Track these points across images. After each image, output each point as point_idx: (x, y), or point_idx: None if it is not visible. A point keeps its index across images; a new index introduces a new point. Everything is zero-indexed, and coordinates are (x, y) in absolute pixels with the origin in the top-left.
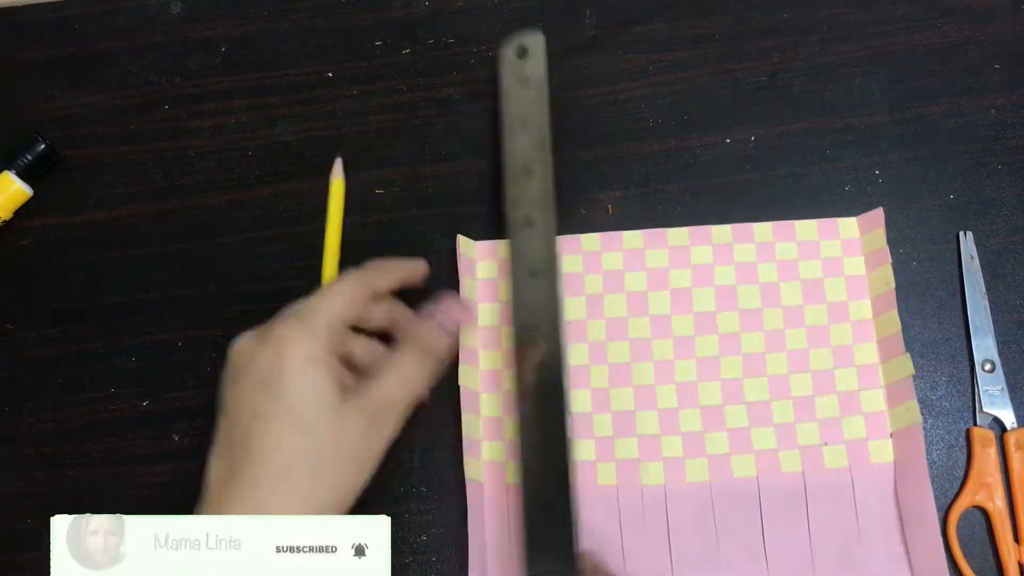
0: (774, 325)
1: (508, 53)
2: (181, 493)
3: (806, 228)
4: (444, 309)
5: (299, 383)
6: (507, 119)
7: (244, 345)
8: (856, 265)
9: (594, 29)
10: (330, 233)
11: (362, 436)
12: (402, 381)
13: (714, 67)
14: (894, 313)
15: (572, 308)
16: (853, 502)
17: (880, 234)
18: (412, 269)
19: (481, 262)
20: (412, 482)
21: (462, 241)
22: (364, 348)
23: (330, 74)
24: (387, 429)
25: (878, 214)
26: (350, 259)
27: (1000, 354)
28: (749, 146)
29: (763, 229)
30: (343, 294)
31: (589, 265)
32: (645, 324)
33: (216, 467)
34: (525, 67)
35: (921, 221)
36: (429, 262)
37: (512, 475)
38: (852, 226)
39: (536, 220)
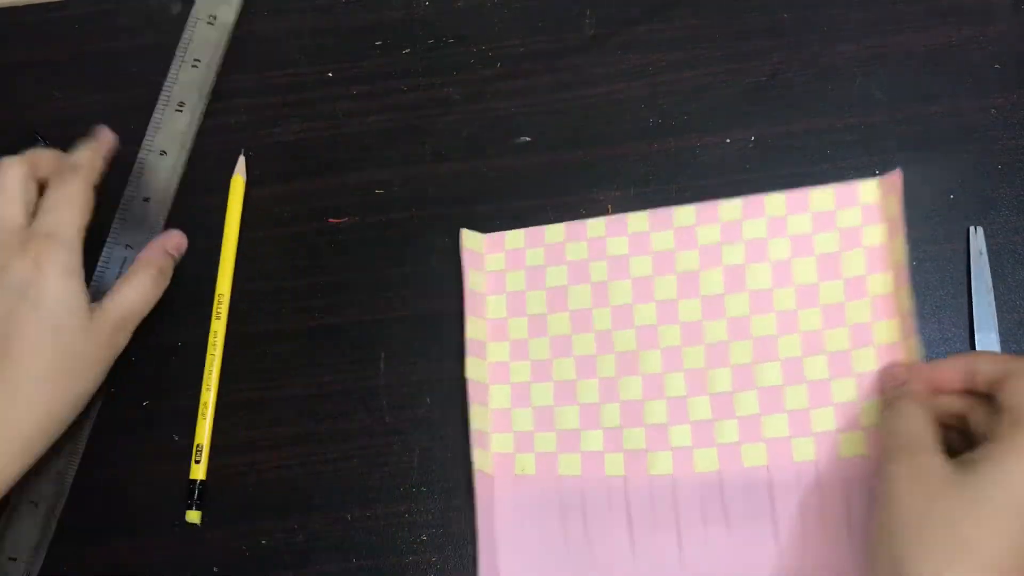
0: (786, 306)
1: None
2: (181, 493)
3: (822, 197)
4: (167, 235)
5: (58, 294)
6: (181, 50)
7: None
8: (875, 234)
9: (594, 29)
10: (229, 229)
11: (107, 343)
12: (137, 295)
13: (714, 67)
14: (907, 289)
15: (578, 297)
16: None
17: (896, 200)
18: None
19: (489, 255)
20: (412, 482)
21: (466, 235)
22: None
23: (330, 74)
24: (123, 338)
25: (896, 177)
26: (351, 259)
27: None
28: (749, 146)
29: (775, 201)
30: (86, 203)
31: (594, 252)
32: (651, 310)
33: None
34: (219, 7)
35: (921, 221)
36: (429, 262)
37: (520, 467)
38: (872, 190)
39: (170, 152)
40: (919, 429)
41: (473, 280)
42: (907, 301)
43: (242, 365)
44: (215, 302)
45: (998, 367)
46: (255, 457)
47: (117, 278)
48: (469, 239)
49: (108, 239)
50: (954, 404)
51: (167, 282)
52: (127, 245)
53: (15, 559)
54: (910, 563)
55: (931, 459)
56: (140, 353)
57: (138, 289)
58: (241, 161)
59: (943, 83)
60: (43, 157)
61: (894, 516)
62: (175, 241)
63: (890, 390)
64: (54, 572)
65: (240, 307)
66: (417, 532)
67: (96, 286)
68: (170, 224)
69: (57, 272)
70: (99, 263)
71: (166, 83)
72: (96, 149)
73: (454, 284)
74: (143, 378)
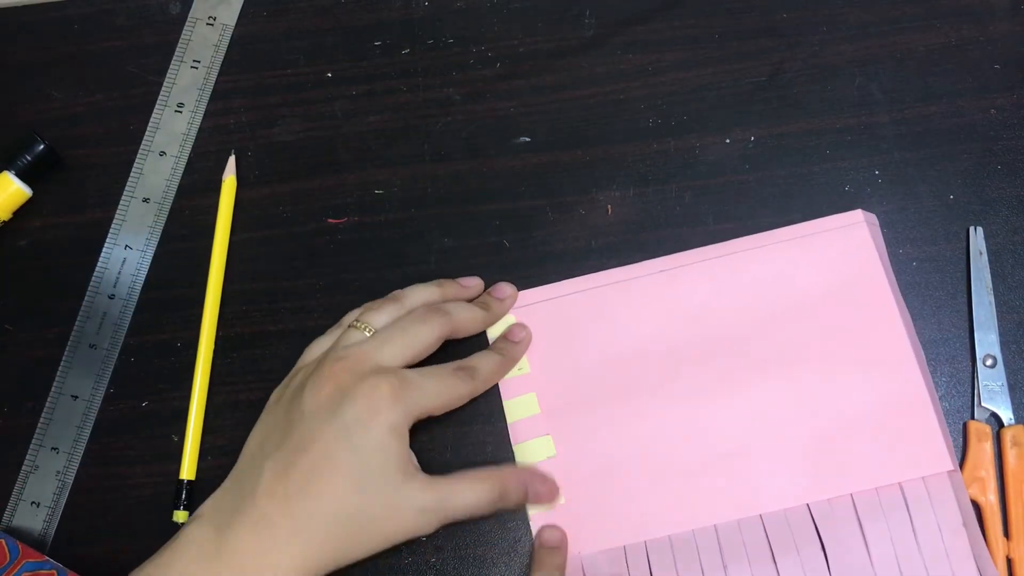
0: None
1: None
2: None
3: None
4: (532, 474)
5: (379, 450)
6: (180, 50)
7: (338, 372)
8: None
9: (594, 29)
10: (219, 230)
11: (410, 523)
12: (470, 502)
13: (714, 67)
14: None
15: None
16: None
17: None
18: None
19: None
20: None
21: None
22: None
23: (330, 74)
24: (427, 527)
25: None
26: (348, 259)
27: (1001, 354)
28: (749, 146)
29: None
30: (449, 391)
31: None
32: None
33: (269, 472)
34: (218, 7)
35: (921, 221)
36: (429, 262)
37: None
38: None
39: (169, 152)
40: None
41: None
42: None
43: (242, 365)
44: (207, 303)
45: None
46: None
47: (117, 278)
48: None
49: (108, 239)
50: None
51: (503, 508)
52: (127, 245)
53: None
54: None
55: None
56: (140, 353)
57: (475, 494)
58: (231, 161)
59: (943, 83)
60: (449, 290)
61: None
62: (543, 489)
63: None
64: None
65: (239, 307)
66: None
67: (96, 286)
68: (170, 224)
69: (387, 426)
70: (99, 263)
71: (165, 83)
72: (492, 312)
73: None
74: (143, 378)
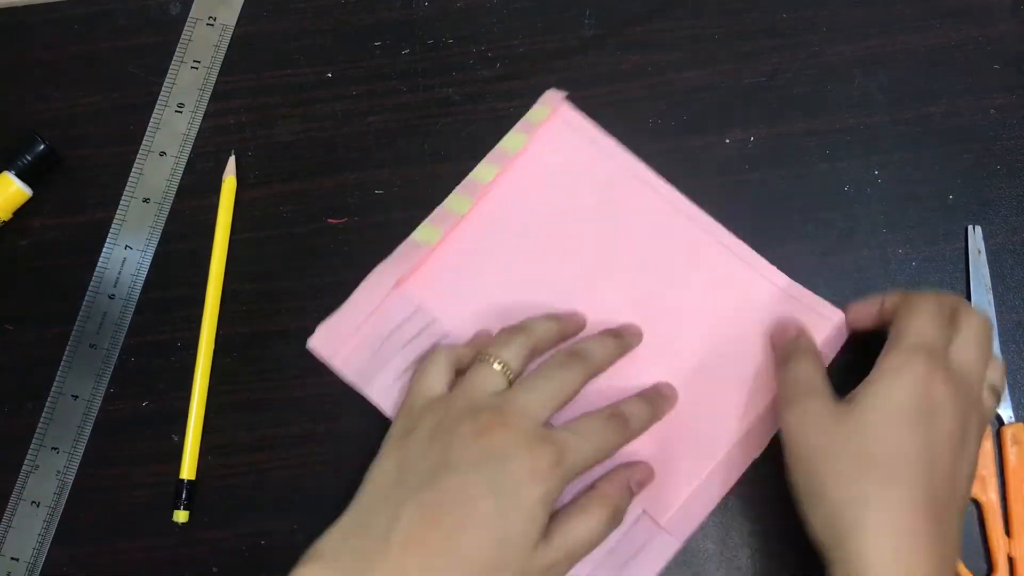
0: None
1: None
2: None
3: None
4: (633, 467)
5: (529, 520)
6: (180, 50)
7: (496, 427)
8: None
9: (594, 29)
10: (219, 231)
11: None
12: (587, 535)
13: (714, 67)
14: None
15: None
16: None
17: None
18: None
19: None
20: None
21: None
22: None
23: (330, 74)
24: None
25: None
26: (350, 259)
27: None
28: (749, 146)
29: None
30: (604, 450)
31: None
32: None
33: (407, 519)
34: (218, 8)
35: (921, 221)
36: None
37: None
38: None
39: (169, 153)
40: (809, 377)
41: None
42: None
43: (242, 365)
44: (208, 303)
45: (897, 300)
46: (255, 457)
47: (117, 278)
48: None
49: (108, 239)
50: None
51: (620, 523)
52: (127, 246)
53: (17, 559)
54: (828, 489)
55: (822, 401)
56: (140, 353)
57: (590, 527)
58: (231, 162)
59: (943, 83)
60: (569, 326)
61: (801, 455)
62: (640, 475)
63: (783, 345)
64: (55, 572)
65: (240, 307)
66: None
67: (96, 286)
68: (170, 224)
69: (542, 497)
70: (99, 263)
71: (165, 83)
72: (624, 342)
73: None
74: (143, 378)
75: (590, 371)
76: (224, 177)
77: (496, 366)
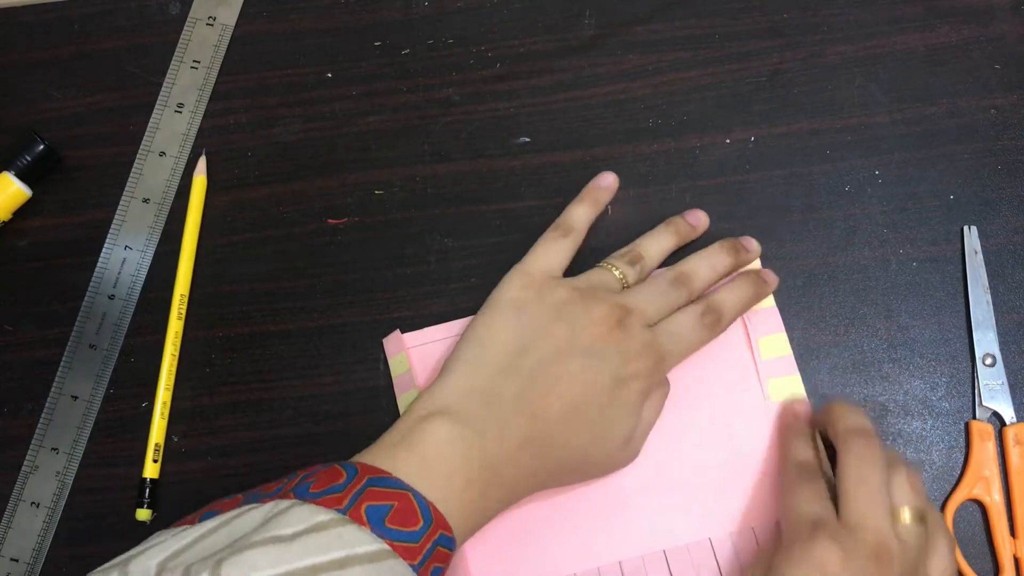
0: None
1: None
2: (180, 495)
3: None
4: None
5: (632, 415)
6: (180, 50)
7: (624, 330)
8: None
9: (594, 29)
10: (188, 229)
11: (614, 466)
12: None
13: (714, 67)
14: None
15: None
16: None
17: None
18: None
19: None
20: None
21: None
22: None
23: (330, 74)
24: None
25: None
26: (348, 259)
27: (1000, 352)
28: (749, 146)
29: None
30: (695, 346)
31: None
32: None
33: (531, 389)
34: (218, 8)
35: (921, 221)
36: (429, 262)
37: None
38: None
39: (169, 153)
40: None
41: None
42: None
43: (243, 365)
44: (174, 302)
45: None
46: (255, 458)
47: (117, 278)
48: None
49: (107, 239)
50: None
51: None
52: (127, 246)
53: (16, 560)
54: None
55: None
56: (140, 353)
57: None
58: (202, 161)
59: (943, 83)
60: (683, 229)
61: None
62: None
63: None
64: (54, 572)
65: (240, 307)
66: None
67: (96, 287)
68: (170, 224)
69: (640, 390)
70: (99, 263)
71: (165, 83)
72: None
73: (454, 284)
74: (143, 378)
75: (693, 294)
76: (195, 176)
77: (616, 273)
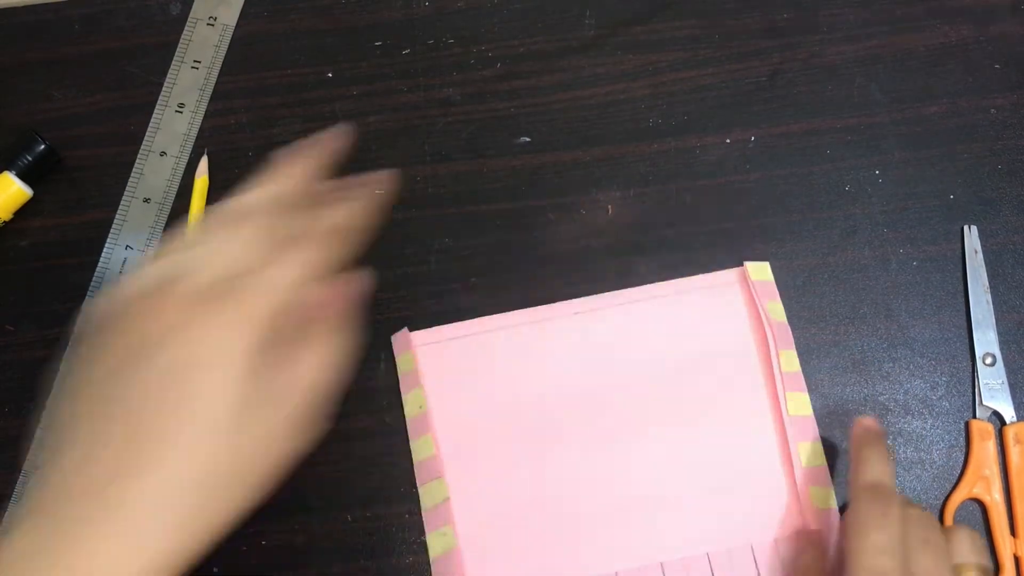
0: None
1: None
2: None
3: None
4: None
5: (224, 390)
6: (181, 51)
7: (166, 311)
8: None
9: (594, 29)
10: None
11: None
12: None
13: (714, 67)
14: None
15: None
16: None
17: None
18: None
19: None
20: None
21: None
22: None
23: (330, 74)
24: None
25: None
26: (351, 259)
27: (1001, 352)
28: (749, 146)
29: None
30: (299, 265)
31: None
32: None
33: (97, 460)
34: (218, 8)
35: (921, 221)
36: (429, 263)
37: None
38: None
39: (170, 153)
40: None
41: (770, 311)
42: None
43: None
44: None
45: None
46: None
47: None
48: (755, 271)
49: (108, 239)
50: None
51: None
52: (127, 246)
53: None
54: None
55: None
56: None
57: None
58: (203, 162)
59: (943, 83)
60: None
61: None
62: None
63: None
64: None
65: None
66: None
67: (95, 287)
68: (169, 224)
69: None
70: (99, 263)
71: (166, 83)
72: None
73: (454, 284)
74: None
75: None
76: (197, 176)
77: None
